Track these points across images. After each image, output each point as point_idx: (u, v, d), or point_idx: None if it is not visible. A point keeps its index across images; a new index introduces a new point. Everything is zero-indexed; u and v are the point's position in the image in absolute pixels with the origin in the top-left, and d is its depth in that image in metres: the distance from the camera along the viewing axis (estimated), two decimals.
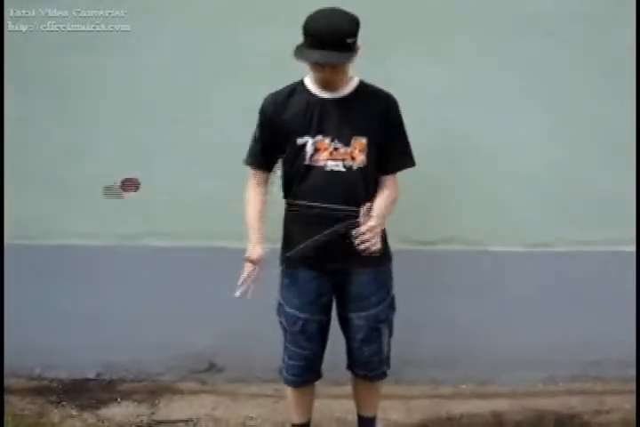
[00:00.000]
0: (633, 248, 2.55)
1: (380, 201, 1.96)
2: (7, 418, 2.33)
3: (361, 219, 1.89)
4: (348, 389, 2.26)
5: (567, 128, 2.51)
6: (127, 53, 2.45)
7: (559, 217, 2.58)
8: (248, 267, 2.00)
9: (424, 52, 2.41)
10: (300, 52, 1.80)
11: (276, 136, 1.94)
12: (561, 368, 2.69)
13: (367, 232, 1.87)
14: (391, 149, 1.97)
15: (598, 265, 2.59)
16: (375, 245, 1.89)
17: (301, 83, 1.95)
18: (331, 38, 1.74)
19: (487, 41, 2.42)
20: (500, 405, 2.56)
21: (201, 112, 2.49)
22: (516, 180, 2.55)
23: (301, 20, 2.31)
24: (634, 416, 2.34)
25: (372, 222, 1.89)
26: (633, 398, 2.30)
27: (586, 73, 2.47)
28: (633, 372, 2.55)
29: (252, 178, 2.05)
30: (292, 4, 2.35)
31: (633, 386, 2.36)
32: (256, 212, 2.03)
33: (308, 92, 1.92)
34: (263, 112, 1.97)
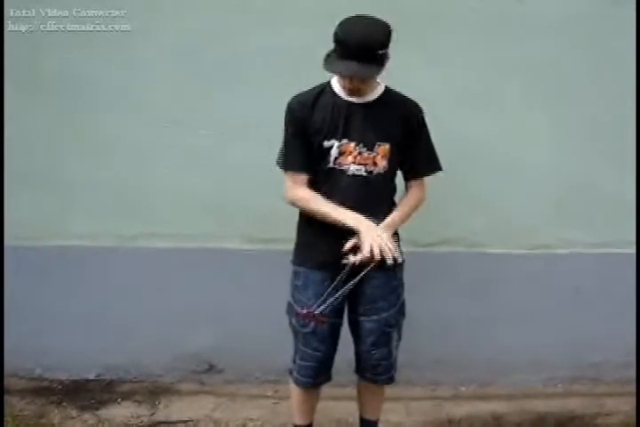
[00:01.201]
0: (633, 250, 2.55)
1: (396, 212, 1.97)
2: (7, 419, 2.34)
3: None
4: (350, 390, 2.26)
5: (568, 130, 2.51)
6: (127, 53, 2.44)
7: (559, 219, 2.58)
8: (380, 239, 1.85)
9: (425, 54, 2.40)
10: (329, 60, 1.78)
11: (308, 138, 1.92)
12: (560, 370, 2.69)
13: (375, 246, 1.82)
14: (417, 155, 1.98)
15: (598, 267, 2.59)
16: (390, 252, 1.83)
17: (329, 84, 1.94)
18: (361, 50, 1.72)
19: (489, 43, 2.42)
20: (500, 407, 2.56)
21: (201, 112, 2.48)
22: (516, 182, 2.55)
23: (303, 20, 2.32)
24: (633, 418, 2.34)
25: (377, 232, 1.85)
26: (632, 400, 2.30)
27: (587, 75, 2.46)
28: (632, 374, 2.56)
29: (293, 182, 1.95)
30: (294, 5, 2.36)
31: (632, 388, 2.37)
32: (319, 198, 1.92)
33: (335, 94, 1.91)
34: (291, 114, 1.93)
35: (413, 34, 2.38)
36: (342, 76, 1.83)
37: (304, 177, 1.95)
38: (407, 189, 2.04)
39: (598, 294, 2.60)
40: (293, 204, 1.98)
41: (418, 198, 2.04)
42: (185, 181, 2.53)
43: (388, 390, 2.23)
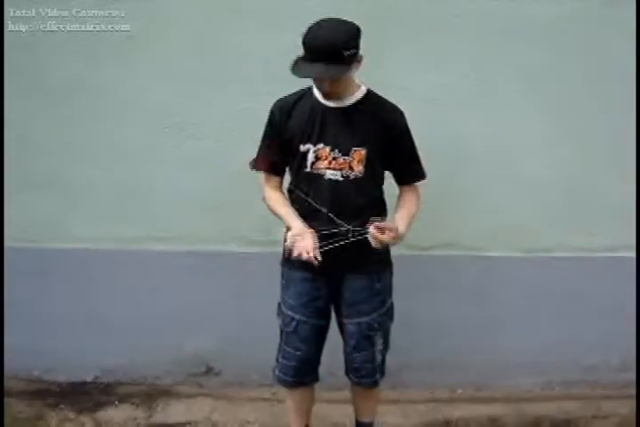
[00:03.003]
0: (633, 254, 2.56)
1: (400, 221, 1.92)
2: (6, 421, 2.34)
3: (370, 233, 1.84)
4: (346, 394, 2.27)
5: (567, 133, 2.51)
6: (127, 53, 2.44)
7: (558, 222, 2.58)
8: (300, 239, 1.86)
9: (423, 58, 2.40)
10: (297, 65, 1.78)
11: (282, 141, 1.94)
12: (558, 373, 2.70)
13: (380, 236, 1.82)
14: (401, 161, 1.97)
15: (597, 271, 2.59)
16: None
17: (310, 89, 1.94)
18: (325, 51, 1.71)
19: (487, 46, 2.42)
20: (497, 409, 2.57)
21: (201, 115, 2.48)
22: (514, 185, 2.55)
23: (303, 24, 2.31)
24: (630, 421, 2.35)
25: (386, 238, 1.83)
26: (630, 403, 2.31)
27: (586, 77, 2.46)
28: (629, 377, 2.57)
29: (266, 182, 2.04)
30: (294, 8, 2.36)
31: (630, 391, 2.38)
32: (282, 200, 2.01)
33: (315, 99, 1.92)
34: (271, 117, 1.97)
35: (410, 38, 2.39)
36: (313, 79, 1.83)
37: (274, 178, 2.02)
38: (399, 196, 2.03)
39: (596, 297, 2.60)
40: (265, 202, 2.04)
41: (412, 209, 2.01)
42: (185, 184, 2.53)
43: (385, 393, 2.23)
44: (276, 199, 2.01)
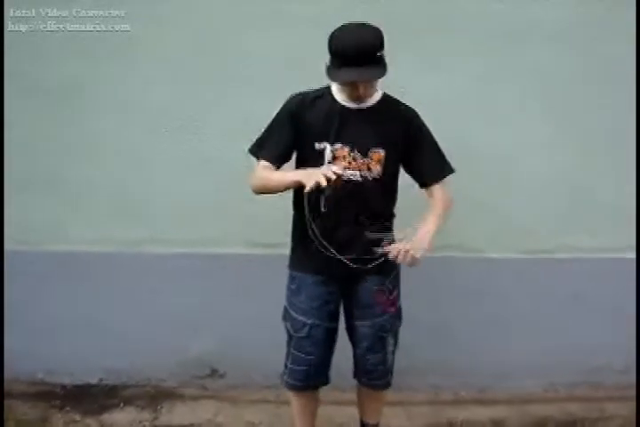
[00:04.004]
0: (633, 255, 2.56)
1: (428, 226, 1.90)
2: (10, 423, 2.35)
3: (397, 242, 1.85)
4: (351, 395, 2.27)
5: (567, 135, 2.52)
6: (127, 53, 2.44)
7: (559, 224, 2.59)
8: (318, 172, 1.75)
9: (425, 61, 2.41)
10: (333, 72, 1.78)
11: (295, 134, 1.93)
12: (561, 375, 2.70)
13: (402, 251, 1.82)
14: (423, 161, 1.97)
15: (599, 272, 2.59)
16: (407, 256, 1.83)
17: (328, 89, 1.94)
18: (362, 54, 1.73)
19: (489, 48, 2.43)
20: (500, 411, 2.57)
21: (202, 115, 2.48)
22: (515, 186, 2.56)
23: (303, 23, 2.32)
24: (633, 423, 2.34)
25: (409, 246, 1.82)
26: (632, 404, 2.31)
27: (586, 80, 2.47)
28: (632, 378, 2.56)
29: (261, 171, 1.94)
30: (294, 7, 2.36)
31: (632, 393, 2.37)
32: (274, 171, 1.94)
33: (333, 99, 1.92)
34: (287, 107, 1.94)
35: (412, 41, 2.38)
36: (346, 84, 1.82)
37: (270, 169, 1.94)
38: (429, 196, 1.99)
39: (598, 298, 2.61)
40: (254, 186, 1.95)
41: (443, 203, 1.97)
42: (186, 186, 2.53)
43: (389, 395, 2.24)
44: (269, 172, 1.92)
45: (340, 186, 1.77)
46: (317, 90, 1.96)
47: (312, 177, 1.71)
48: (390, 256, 1.83)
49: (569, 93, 2.48)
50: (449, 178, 2.01)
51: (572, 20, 2.41)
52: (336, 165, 1.85)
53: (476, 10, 2.40)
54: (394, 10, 2.36)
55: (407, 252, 1.81)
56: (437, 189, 1.99)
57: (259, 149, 1.98)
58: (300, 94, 1.95)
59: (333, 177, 1.71)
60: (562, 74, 2.47)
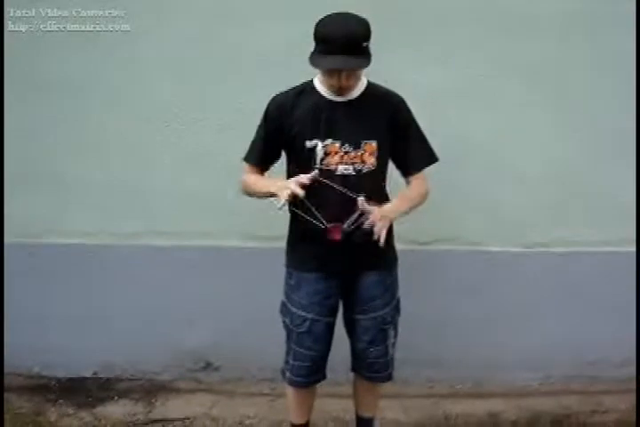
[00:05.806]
0: (633, 248, 2.55)
1: (398, 199, 1.93)
2: (5, 416, 2.34)
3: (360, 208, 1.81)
4: (346, 388, 2.27)
5: (567, 128, 2.52)
6: (127, 53, 2.46)
7: (557, 217, 2.59)
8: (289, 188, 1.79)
9: (425, 52, 2.42)
10: (316, 59, 1.77)
11: (282, 137, 1.92)
12: (557, 368, 2.69)
13: (373, 218, 1.79)
14: (408, 149, 1.96)
15: (597, 265, 2.59)
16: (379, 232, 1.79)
17: (310, 84, 1.93)
18: (347, 43, 1.72)
19: (488, 42, 2.43)
20: (496, 404, 2.56)
21: (201, 111, 2.49)
22: (514, 180, 2.55)
23: (301, 18, 2.31)
24: (630, 416, 2.34)
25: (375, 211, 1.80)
26: (629, 398, 2.30)
27: (585, 74, 2.47)
28: (629, 372, 2.56)
29: (247, 173, 2.02)
30: (293, 4, 2.37)
31: (629, 386, 2.37)
32: (262, 177, 2.01)
33: (318, 93, 1.90)
34: (268, 113, 1.94)
35: (412, 33, 2.40)
36: (330, 72, 1.80)
37: (257, 173, 2.00)
38: (407, 185, 2.01)
39: (596, 292, 2.60)
40: (241, 190, 2.03)
41: (418, 192, 1.99)
42: (184, 179, 2.54)
43: (385, 388, 2.23)
44: (257, 177, 1.99)
45: (323, 184, 1.81)
46: (295, 87, 1.94)
47: (283, 191, 1.78)
48: (367, 224, 1.79)
49: (570, 86, 2.48)
50: (438, 173, 2.01)
51: (572, 10, 2.40)
52: (312, 172, 1.83)
53: (476, 2, 2.40)
54: (395, 3, 2.37)
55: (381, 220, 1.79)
56: (415, 179, 1.98)
57: (247, 153, 2.02)
58: (278, 96, 1.95)
59: (299, 193, 1.75)
60: (563, 69, 2.47)
